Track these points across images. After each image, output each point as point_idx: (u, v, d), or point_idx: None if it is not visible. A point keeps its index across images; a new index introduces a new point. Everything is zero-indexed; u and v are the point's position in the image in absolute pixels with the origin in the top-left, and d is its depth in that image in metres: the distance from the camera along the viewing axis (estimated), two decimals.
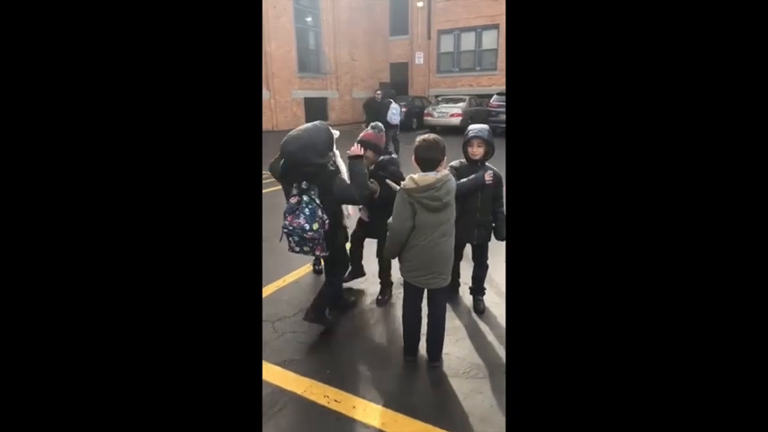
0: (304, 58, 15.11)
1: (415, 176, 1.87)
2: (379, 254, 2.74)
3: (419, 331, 2.12)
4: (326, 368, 2.09)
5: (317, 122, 2.18)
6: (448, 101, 13.63)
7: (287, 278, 3.11)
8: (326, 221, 2.10)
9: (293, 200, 2.10)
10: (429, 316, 2.08)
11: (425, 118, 13.07)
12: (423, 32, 17.30)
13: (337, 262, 2.42)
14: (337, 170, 2.23)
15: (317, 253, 2.17)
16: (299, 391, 1.93)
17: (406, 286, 2.06)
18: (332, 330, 2.43)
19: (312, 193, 2.09)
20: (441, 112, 12.91)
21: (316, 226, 2.05)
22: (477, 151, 2.39)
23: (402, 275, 2.03)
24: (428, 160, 1.88)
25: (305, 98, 15.05)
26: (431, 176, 1.85)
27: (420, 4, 16.90)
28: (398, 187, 1.95)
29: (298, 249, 2.18)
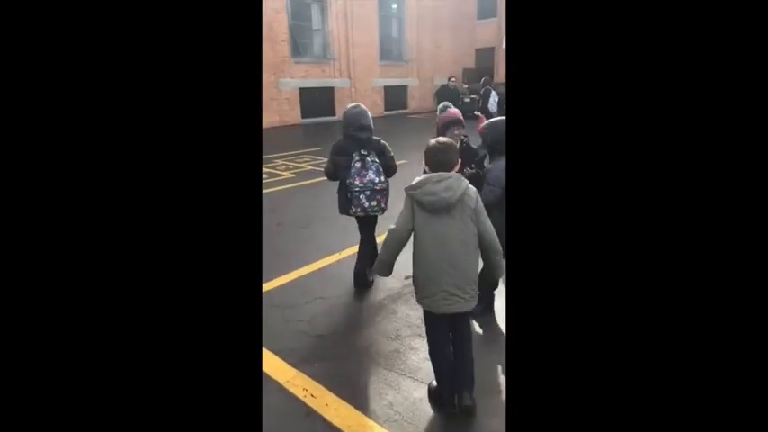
0: (386, 46, 15.16)
1: (422, 175, 1.68)
2: None
3: (455, 369, 1.75)
4: (315, 361, 2.10)
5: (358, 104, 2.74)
6: None
7: (312, 266, 3.18)
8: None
9: (357, 164, 2.58)
10: (454, 345, 1.77)
11: (505, 106, 12.33)
12: None
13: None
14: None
15: (383, 206, 2.64)
16: (281, 381, 1.96)
17: (426, 315, 1.74)
18: (338, 324, 2.44)
19: (371, 155, 2.60)
20: None
21: (383, 178, 2.61)
22: None
23: (418, 302, 1.73)
24: (441, 164, 1.67)
25: (384, 86, 15.15)
26: (434, 175, 1.64)
27: None
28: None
29: (367, 205, 2.60)
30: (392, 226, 1.70)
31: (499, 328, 2.38)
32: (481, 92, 8.44)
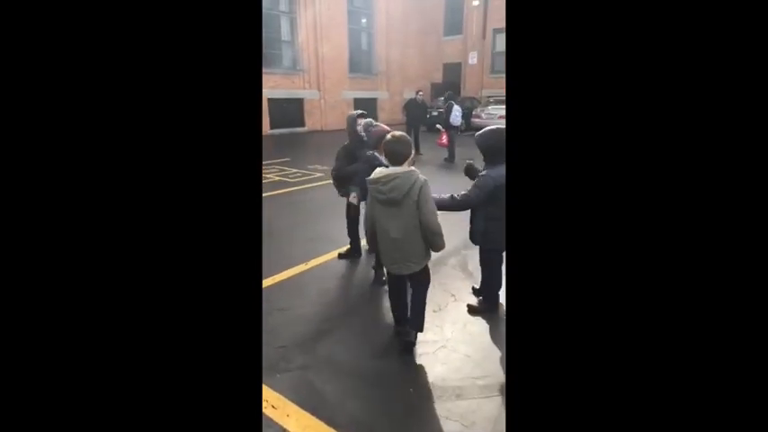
0: (356, 59, 15.34)
1: (378, 170, 2.03)
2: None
3: (406, 306, 2.31)
4: (277, 372, 2.08)
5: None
6: (498, 102, 13.13)
7: (276, 277, 3.15)
8: None
9: None
10: (411, 297, 2.28)
11: (473, 119, 12.68)
12: (477, 31, 16.81)
13: None
14: None
15: None
16: None
17: (388, 273, 2.30)
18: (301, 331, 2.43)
19: None
20: (489, 114, 12.46)
21: None
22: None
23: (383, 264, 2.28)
24: (394, 154, 2.02)
25: (354, 98, 15.28)
26: (386, 171, 2.00)
27: (476, 3, 16.43)
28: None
29: None
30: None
31: (497, 326, 2.46)
32: (444, 106, 8.64)
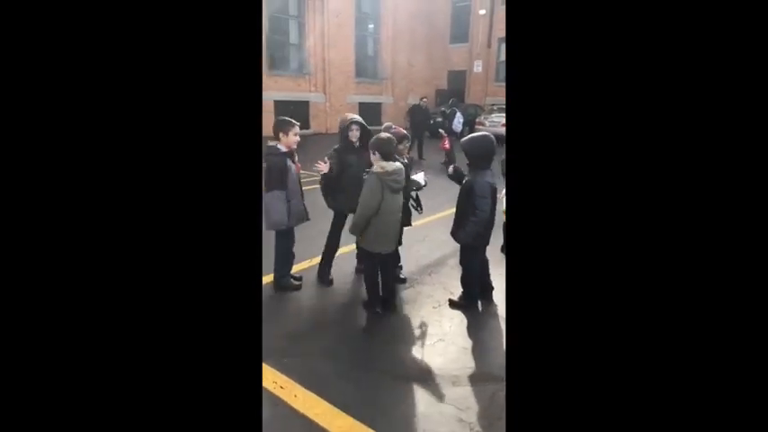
0: (362, 64, 15.53)
1: (382, 163, 2.43)
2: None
3: (378, 287, 2.68)
4: (284, 356, 2.21)
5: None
6: (501, 110, 13.30)
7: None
8: None
9: None
10: (383, 274, 2.69)
11: (477, 126, 12.82)
12: (483, 40, 17.03)
13: None
14: None
15: None
16: None
17: (365, 253, 2.65)
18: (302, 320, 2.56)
19: None
20: (492, 122, 12.61)
21: None
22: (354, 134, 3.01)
23: (362, 246, 2.62)
24: (390, 153, 2.48)
25: (359, 103, 15.45)
26: (396, 165, 2.46)
27: (482, 12, 16.66)
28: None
29: None
30: (361, 199, 2.44)
31: (478, 320, 2.59)
32: (447, 112, 8.84)
